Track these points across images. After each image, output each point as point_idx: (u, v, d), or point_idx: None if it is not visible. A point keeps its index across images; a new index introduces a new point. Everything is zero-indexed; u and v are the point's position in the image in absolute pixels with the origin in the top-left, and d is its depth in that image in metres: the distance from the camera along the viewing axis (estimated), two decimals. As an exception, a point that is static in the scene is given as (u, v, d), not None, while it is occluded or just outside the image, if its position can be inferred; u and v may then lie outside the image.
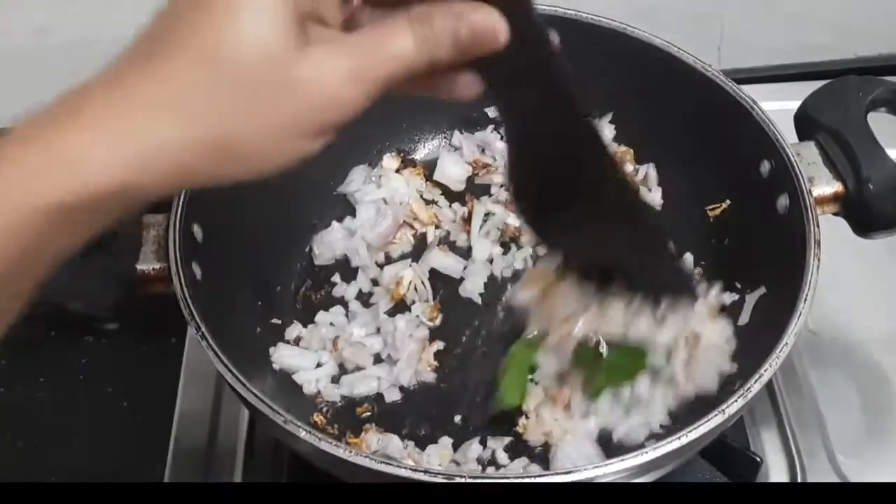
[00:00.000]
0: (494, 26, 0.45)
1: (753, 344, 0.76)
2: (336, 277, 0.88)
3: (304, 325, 0.84)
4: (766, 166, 0.78)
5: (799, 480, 0.81)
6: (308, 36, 0.45)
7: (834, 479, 0.81)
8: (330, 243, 0.88)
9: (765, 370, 0.64)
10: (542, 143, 0.56)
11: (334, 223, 0.89)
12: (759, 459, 0.79)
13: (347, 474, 0.64)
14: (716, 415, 0.62)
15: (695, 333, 0.78)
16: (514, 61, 0.48)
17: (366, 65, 0.45)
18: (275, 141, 0.45)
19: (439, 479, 0.59)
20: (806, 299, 0.67)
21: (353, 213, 0.91)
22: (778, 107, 0.80)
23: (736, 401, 0.63)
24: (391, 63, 0.45)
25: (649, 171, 0.91)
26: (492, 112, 0.95)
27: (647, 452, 0.60)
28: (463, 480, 0.59)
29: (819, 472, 0.82)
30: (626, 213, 0.60)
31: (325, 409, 0.79)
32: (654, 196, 0.90)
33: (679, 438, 0.61)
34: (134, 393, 0.92)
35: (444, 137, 0.96)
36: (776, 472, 0.82)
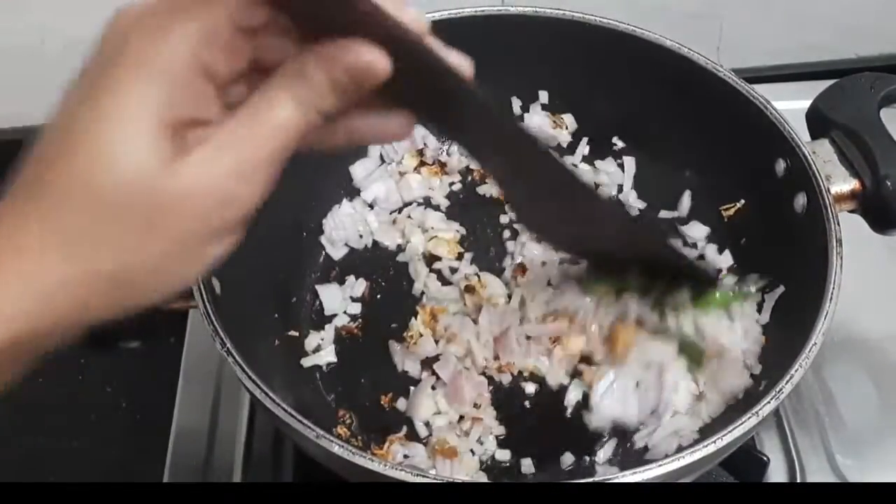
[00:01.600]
0: (368, 59, 0.42)
1: (775, 344, 0.76)
2: (350, 279, 0.87)
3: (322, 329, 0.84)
4: (780, 165, 0.78)
5: (798, 480, 0.81)
6: (186, 142, 0.42)
7: (833, 479, 0.81)
8: (342, 221, 0.89)
9: (795, 370, 0.64)
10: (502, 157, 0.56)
11: (344, 201, 0.90)
12: (766, 459, 0.80)
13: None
14: (749, 417, 0.62)
15: (720, 346, 0.78)
16: (420, 86, 0.46)
17: (249, 153, 0.42)
18: (173, 260, 0.43)
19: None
20: (832, 298, 0.67)
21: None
22: (779, 106, 0.79)
23: (769, 402, 0.62)
24: (277, 138, 0.43)
25: (684, 199, 0.91)
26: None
27: (683, 457, 0.60)
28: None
29: (819, 472, 0.82)
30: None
31: (347, 422, 0.79)
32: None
33: (714, 442, 0.61)
34: (133, 393, 0.92)
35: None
36: (776, 472, 0.82)
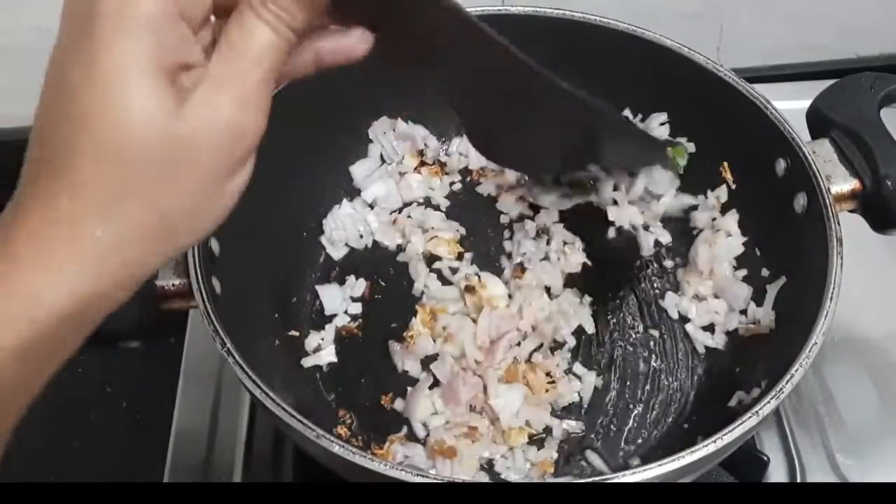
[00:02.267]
0: None
1: (776, 343, 0.76)
2: (351, 279, 0.87)
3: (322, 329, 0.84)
4: (780, 165, 0.78)
5: (799, 480, 0.81)
6: (182, 86, 0.44)
7: (833, 479, 0.81)
8: (342, 222, 0.89)
9: (795, 370, 0.64)
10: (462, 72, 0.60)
11: (344, 201, 0.90)
12: (766, 459, 0.80)
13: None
14: (749, 417, 0.62)
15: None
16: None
17: (246, 84, 0.45)
18: (204, 196, 0.45)
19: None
20: (832, 298, 0.67)
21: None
22: (779, 106, 0.79)
23: (769, 402, 0.62)
24: (263, 64, 0.45)
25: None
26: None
27: (683, 457, 0.60)
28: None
29: (819, 472, 0.82)
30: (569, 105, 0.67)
31: (348, 422, 0.79)
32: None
33: (714, 442, 0.61)
34: (133, 393, 0.92)
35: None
36: (776, 472, 0.82)
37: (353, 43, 0.51)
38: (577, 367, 0.82)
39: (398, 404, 0.80)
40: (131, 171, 0.43)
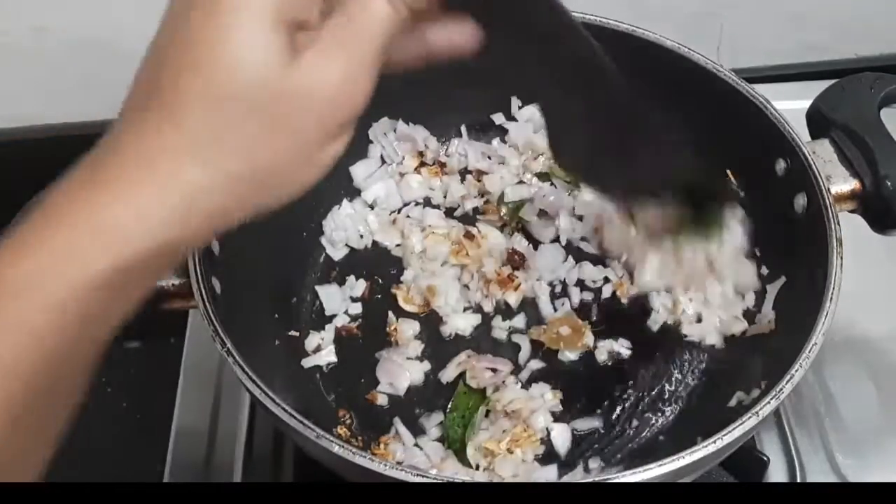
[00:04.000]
0: None
1: (777, 342, 0.76)
2: (350, 279, 0.87)
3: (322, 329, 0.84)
4: (780, 165, 0.78)
5: (799, 480, 0.81)
6: (296, 44, 0.44)
7: (833, 479, 0.81)
8: (342, 222, 0.89)
9: (795, 370, 0.64)
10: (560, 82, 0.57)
11: (344, 201, 0.91)
12: (766, 459, 0.80)
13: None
14: (749, 417, 0.62)
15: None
16: None
17: (356, 54, 0.45)
18: (299, 156, 0.45)
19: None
20: (832, 298, 0.67)
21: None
22: (779, 106, 0.79)
23: (769, 402, 0.62)
24: (376, 37, 0.45)
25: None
26: (498, 119, 0.95)
27: (683, 457, 0.60)
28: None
29: (819, 472, 0.82)
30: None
31: (348, 422, 0.79)
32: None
33: (714, 442, 0.61)
34: (133, 393, 0.92)
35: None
36: (776, 472, 0.82)
37: (464, 37, 0.51)
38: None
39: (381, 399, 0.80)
40: (236, 114, 0.43)
